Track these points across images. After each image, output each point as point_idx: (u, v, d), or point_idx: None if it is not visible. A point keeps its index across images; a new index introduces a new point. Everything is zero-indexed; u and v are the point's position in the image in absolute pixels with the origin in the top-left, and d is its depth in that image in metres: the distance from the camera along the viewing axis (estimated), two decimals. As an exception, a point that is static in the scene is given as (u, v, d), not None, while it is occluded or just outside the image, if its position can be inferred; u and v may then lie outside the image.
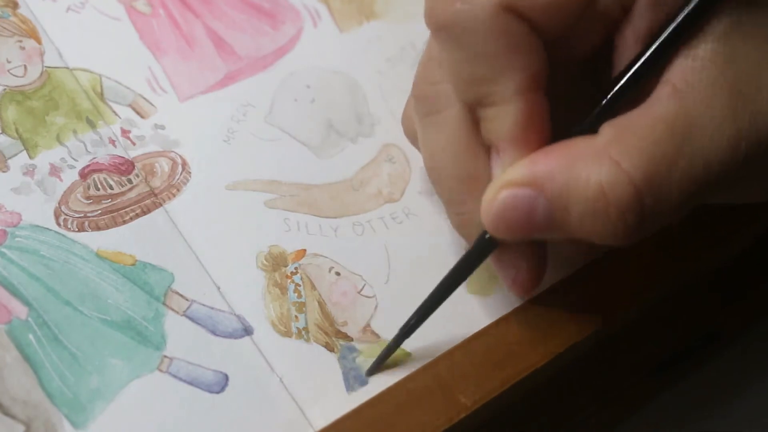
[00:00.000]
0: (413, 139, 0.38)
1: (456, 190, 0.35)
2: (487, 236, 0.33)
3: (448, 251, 0.39)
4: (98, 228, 0.36)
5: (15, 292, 0.34)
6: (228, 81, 0.42)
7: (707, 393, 0.44)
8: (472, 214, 0.34)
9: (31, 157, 0.37)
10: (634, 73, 0.31)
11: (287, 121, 0.41)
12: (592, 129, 0.31)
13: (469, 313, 0.37)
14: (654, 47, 0.31)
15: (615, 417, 0.42)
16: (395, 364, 0.36)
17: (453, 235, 0.39)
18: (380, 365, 0.35)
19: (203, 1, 0.43)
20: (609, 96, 0.31)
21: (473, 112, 0.33)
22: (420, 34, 0.45)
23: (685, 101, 0.29)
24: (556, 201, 0.30)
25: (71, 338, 0.34)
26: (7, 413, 0.32)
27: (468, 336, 0.36)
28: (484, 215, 0.32)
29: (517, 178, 0.31)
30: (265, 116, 0.41)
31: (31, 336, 0.33)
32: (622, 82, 0.31)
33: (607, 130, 0.30)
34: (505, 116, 0.32)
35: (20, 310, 0.34)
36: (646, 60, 0.31)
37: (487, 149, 0.34)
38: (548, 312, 0.36)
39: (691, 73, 0.30)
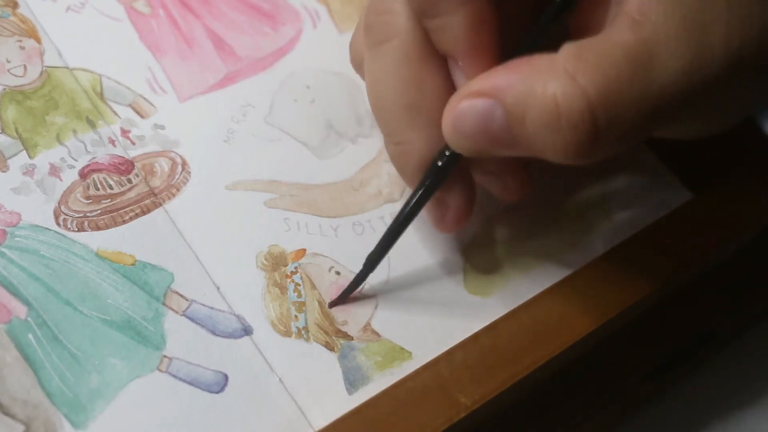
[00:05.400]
0: (359, 68, 0.38)
1: (397, 118, 0.35)
2: (439, 164, 0.34)
3: (448, 250, 0.39)
4: (98, 228, 0.36)
5: (15, 292, 0.34)
6: (228, 81, 0.42)
7: (705, 396, 0.44)
8: (411, 144, 0.35)
9: (30, 157, 0.37)
10: None
11: (287, 122, 0.41)
12: (542, 40, 0.32)
13: (469, 313, 0.37)
14: None
15: (614, 418, 0.42)
16: (396, 364, 0.36)
17: (453, 235, 0.39)
18: (344, 299, 0.37)
19: (203, 2, 0.43)
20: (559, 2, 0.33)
21: (424, 28, 0.34)
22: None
23: (642, 32, 0.30)
24: (513, 110, 0.31)
25: (71, 338, 0.34)
26: (6, 413, 0.32)
27: (468, 336, 0.36)
28: (444, 125, 0.33)
29: (476, 88, 0.32)
30: (264, 116, 0.41)
31: (30, 336, 0.33)
32: None
33: (567, 48, 0.31)
34: (452, 26, 0.33)
35: (20, 310, 0.34)
36: None
37: (431, 79, 0.34)
38: (547, 312, 0.36)
39: (647, 7, 0.30)
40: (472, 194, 0.37)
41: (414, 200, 0.35)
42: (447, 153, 0.34)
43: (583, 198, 0.41)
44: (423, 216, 0.39)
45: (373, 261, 0.36)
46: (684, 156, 0.42)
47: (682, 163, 0.42)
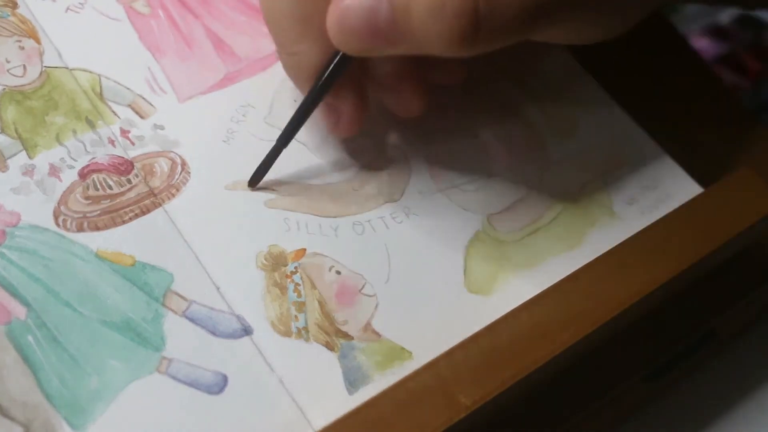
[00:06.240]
0: None
1: (290, 29, 0.36)
2: (329, 68, 0.36)
3: (449, 250, 0.39)
4: (97, 228, 0.36)
5: (14, 293, 0.34)
6: (227, 82, 0.41)
7: (705, 396, 0.44)
8: (303, 55, 0.36)
9: (30, 157, 0.37)
10: None
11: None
12: None
13: (469, 312, 0.37)
14: None
15: (615, 418, 0.42)
16: (396, 364, 0.36)
17: (453, 234, 0.39)
18: (260, 177, 0.39)
19: (202, 2, 0.43)
20: None
21: None
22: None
23: None
24: (397, 3, 0.32)
25: (70, 339, 0.34)
26: (6, 415, 0.32)
27: (468, 336, 0.36)
28: (328, 23, 0.34)
29: None
30: (264, 117, 0.41)
31: (30, 337, 0.33)
32: None
33: None
34: None
35: (19, 311, 0.34)
36: None
37: None
38: (548, 312, 0.36)
39: None
40: (364, 101, 0.38)
41: (304, 105, 0.37)
42: (336, 55, 0.35)
43: (586, 194, 0.41)
44: (423, 218, 0.40)
45: (256, 176, 0.39)
46: (689, 153, 0.42)
47: (688, 161, 0.42)
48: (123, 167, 0.38)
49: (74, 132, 0.38)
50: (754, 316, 0.46)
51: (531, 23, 0.32)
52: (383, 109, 0.41)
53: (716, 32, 0.71)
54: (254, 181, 0.39)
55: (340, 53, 0.36)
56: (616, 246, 0.38)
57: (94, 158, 0.38)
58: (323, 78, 0.36)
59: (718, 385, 0.45)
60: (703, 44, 0.70)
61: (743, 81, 0.67)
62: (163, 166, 0.39)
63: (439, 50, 0.32)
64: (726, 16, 0.71)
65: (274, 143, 0.39)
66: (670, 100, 0.47)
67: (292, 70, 0.38)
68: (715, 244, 0.39)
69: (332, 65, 0.36)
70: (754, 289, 0.44)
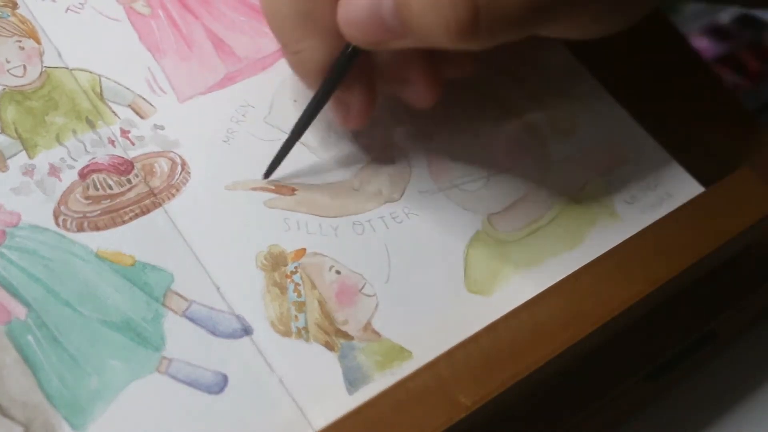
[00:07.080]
0: None
1: (292, 28, 0.37)
2: (349, 49, 0.36)
3: (449, 250, 0.39)
4: (97, 228, 0.36)
5: (14, 293, 0.34)
6: (227, 82, 0.41)
7: (706, 396, 0.44)
8: (308, 52, 0.37)
9: (30, 157, 0.37)
10: None
11: (287, 122, 0.41)
12: None
13: (470, 312, 0.37)
14: None
15: (615, 418, 0.42)
16: (396, 364, 0.36)
17: (453, 233, 0.39)
18: (275, 167, 0.39)
19: (202, 2, 0.43)
20: None
21: None
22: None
23: None
24: None
25: (70, 339, 0.34)
26: (5, 414, 0.32)
27: (468, 336, 0.36)
28: (338, 17, 0.35)
29: None
30: (264, 117, 0.41)
31: (30, 337, 0.33)
32: None
33: None
34: None
35: (19, 311, 0.34)
36: None
37: None
38: (548, 312, 0.36)
39: None
40: (373, 93, 0.39)
41: (314, 100, 0.38)
42: (345, 50, 0.36)
43: (586, 194, 0.41)
44: (423, 217, 0.39)
45: (270, 167, 0.39)
46: (689, 153, 0.42)
47: (688, 161, 0.42)
48: (123, 167, 0.38)
49: (74, 132, 0.39)
50: (753, 316, 0.46)
51: (532, 15, 0.32)
52: (384, 107, 0.41)
53: (716, 32, 0.71)
54: (268, 174, 0.39)
55: (348, 48, 0.36)
56: (616, 246, 0.38)
57: (94, 158, 0.38)
58: (333, 74, 0.37)
59: (718, 385, 0.45)
60: (703, 44, 0.70)
61: (743, 81, 0.67)
62: (163, 166, 0.39)
63: (443, 42, 0.32)
64: (726, 16, 0.71)
65: (281, 141, 0.39)
66: (670, 100, 0.47)
67: (298, 68, 0.38)
68: (715, 244, 0.39)
69: (341, 60, 0.36)
70: (754, 289, 0.44)
